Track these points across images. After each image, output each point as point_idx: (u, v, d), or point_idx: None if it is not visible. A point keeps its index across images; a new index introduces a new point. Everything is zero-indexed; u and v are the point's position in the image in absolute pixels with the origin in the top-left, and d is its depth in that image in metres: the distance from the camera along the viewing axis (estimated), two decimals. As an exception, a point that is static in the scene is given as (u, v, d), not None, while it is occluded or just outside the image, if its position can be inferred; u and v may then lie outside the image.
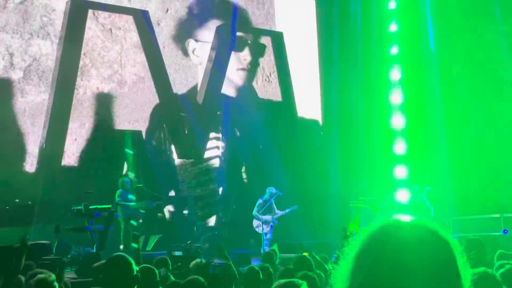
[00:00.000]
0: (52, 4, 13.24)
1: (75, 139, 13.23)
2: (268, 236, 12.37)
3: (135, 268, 3.68)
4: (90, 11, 13.65)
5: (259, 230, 12.38)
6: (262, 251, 11.32)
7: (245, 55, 16.05)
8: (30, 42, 12.89)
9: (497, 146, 15.19)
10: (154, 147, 14.32)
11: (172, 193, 14.37)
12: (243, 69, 15.93)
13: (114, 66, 13.92)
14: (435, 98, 16.31)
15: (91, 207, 10.90)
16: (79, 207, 10.76)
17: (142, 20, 14.23)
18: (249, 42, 16.17)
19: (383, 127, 17.01)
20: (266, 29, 16.39)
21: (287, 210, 12.89)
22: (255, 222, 12.51)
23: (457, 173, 15.25)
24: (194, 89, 15.17)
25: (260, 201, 12.55)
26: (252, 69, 16.14)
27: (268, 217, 12.36)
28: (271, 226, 12.50)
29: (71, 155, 13.15)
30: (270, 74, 16.32)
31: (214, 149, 15.17)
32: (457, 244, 1.17)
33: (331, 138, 16.86)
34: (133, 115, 14.02)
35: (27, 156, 12.74)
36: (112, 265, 3.69)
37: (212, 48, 15.22)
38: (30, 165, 12.71)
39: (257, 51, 16.26)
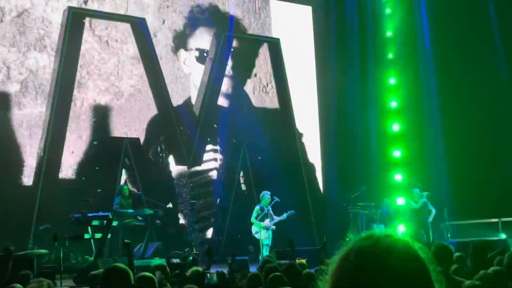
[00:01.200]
0: (48, 17, 13.29)
1: (72, 152, 13.26)
2: (267, 242, 12.36)
3: (132, 278, 3.69)
4: (87, 23, 13.69)
5: (258, 236, 12.36)
6: (260, 258, 11.32)
7: (242, 63, 16.09)
8: (27, 55, 12.94)
9: (495, 150, 15.23)
10: (152, 156, 14.33)
11: (170, 201, 14.37)
12: (238, 77, 15.95)
13: (111, 78, 13.96)
14: (432, 102, 16.37)
15: (89, 215, 10.91)
16: (77, 215, 10.77)
17: (140, 29, 14.28)
18: (246, 50, 16.21)
19: (381, 132, 17.04)
20: (262, 35, 16.43)
21: (284, 215, 12.89)
22: (254, 229, 12.50)
23: (454, 178, 15.27)
24: (189, 99, 15.22)
25: (257, 207, 12.54)
26: (248, 78, 16.15)
27: (267, 223, 12.35)
28: (270, 231, 12.49)
29: (68, 167, 13.17)
30: (267, 84, 16.34)
31: (212, 160, 15.19)
32: (429, 259, 1.18)
33: (329, 145, 16.88)
34: (131, 125, 14.05)
35: (25, 168, 12.77)
36: (110, 275, 3.70)
37: (208, 56, 15.27)
38: (28, 177, 12.74)
39: (254, 60, 16.30)
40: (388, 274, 1.10)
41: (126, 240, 5.48)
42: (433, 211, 13.80)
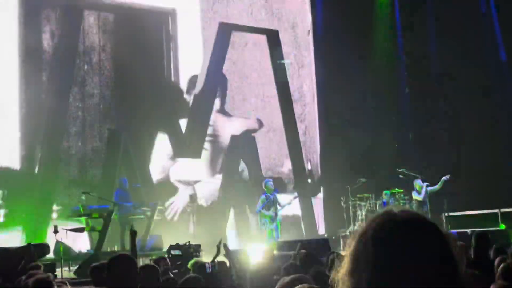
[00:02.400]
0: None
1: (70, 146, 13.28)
2: (275, 235, 12.23)
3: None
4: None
5: (265, 228, 12.31)
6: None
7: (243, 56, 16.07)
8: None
9: (494, 140, 15.26)
10: (151, 147, 14.32)
11: (170, 193, 14.38)
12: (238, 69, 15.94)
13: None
14: (436, 92, 16.44)
15: (89, 207, 10.91)
16: (78, 208, 10.78)
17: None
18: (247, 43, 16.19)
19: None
20: (261, 27, 16.39)
21: (290, 201, 12.96)
22: (262, 220, 12.41)
23: (454, 169, 15.28)
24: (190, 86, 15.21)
25: (263, 196, 12.49)
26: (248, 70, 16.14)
27: (271, 213, 12.28)
28: (278, 223, 12.42)
29: (68, 157, 13.20)
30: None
31: (212, 148, 15.19)
32: (455, 238, 1.19)
33: (328, 135, 16.87)
34: (131, 115, 14.04)
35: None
36: (115, 263, 3.68)
37: (211, 47, 15.29)
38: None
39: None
40: (407, 245, 1.11)
41: (133, 229, 5.48)
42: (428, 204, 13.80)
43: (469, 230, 11.95)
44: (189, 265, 6.59)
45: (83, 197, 11.66)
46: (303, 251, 6.69)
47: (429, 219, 1.18)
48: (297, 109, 16.83)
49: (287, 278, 2.98)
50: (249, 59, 16.17)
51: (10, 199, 12.19)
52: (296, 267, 5.24)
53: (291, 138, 16.28)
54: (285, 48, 16.80)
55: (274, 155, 16.16)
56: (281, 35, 16.76)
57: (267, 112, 16.23)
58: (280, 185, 14.82)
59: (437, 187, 13.71)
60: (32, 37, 12.96)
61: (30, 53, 12.94)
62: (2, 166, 12.37)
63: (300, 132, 16.76)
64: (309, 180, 16.55)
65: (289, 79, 16.65)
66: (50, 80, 13.24)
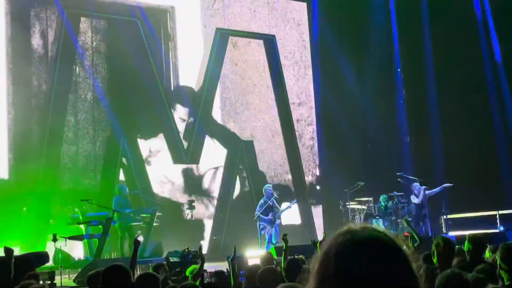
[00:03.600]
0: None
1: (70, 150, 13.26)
2: (275, 240, 12.24)
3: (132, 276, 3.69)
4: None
5: (265, 232, 12.32)
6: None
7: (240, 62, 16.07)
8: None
9: (493, 142, 15.28)
10: (149, 154, 14.31)
11: (168, 200, 14.37)
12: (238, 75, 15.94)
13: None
14: (431, 96, 16.45)
15: (88, 214, 10.92)
16: (77, 215, 10.79)
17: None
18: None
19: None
20: (258, 32, 16.38)
21: (290, 205, 12.96)
22: (261, 225, 12.43)
23: (452, 171, 15.31)
24: (188, 95, 15.21)
25: (262, 201, 12.54)
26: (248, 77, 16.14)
27: (270, 217, 12.31)
28: (277, 227, 12.42)
29: (69, 164, 13.18)
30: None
31: (210, 156, 15.18)
32: (403, 245, 1.21)
33: (326, 139, 16.86)
34: (129, 122, 14.04)
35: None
36: (110, 274, 3.70)
37: (208, 52, 15.27)
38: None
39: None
40: (366, 264, 1.14)
41: (137, 239, 5.49)
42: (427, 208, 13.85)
43: (467, 233, 11.95)
44: (187, 272, 6.58)
45: (78, 208, 11.57)
46: (290, 257, 6.66)
47: (389, 236, 1.21)
48: (305, 111, 16.82)
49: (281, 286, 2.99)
50: (251, 60, 16.13)
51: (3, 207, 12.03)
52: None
53: (289, 144, 16.26)
54: (290, 48, 16.79)
55: (280, 161, 16.13)
56: (285, 34, 16.73)
57: (273, 115, 16.19)
58: (286, 192, 14.87)
59: (436, 190, 13.76)
60: (20, 38, 12.72)
61: (19, 54, 12.70)
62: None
63: (308, 136, 16.75)
64: (318, 187, 16.58)
65: (294, 81, 16.65)
66: (41, 83, 13.07)
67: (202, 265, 7.12)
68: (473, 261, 5.63)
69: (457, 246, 6.29)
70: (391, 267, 1.16)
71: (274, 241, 12.27)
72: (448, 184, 13.69)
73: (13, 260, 4.65)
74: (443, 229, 14.37)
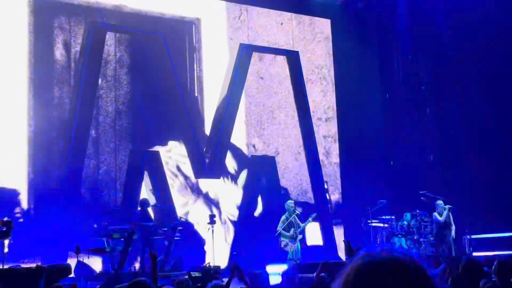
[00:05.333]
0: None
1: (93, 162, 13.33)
2: (296, 257, 12.18)
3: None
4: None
5: (287, 249, 12.29)
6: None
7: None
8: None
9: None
10: (172, 167, 14.34)
11: (189, 214, 14.37)
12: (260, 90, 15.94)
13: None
14: (455, 111, 16.28)
15: (110, 227, 10.96)
16: (99, 228, 10.83)
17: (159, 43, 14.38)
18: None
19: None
20: (281, 48, 16.39)
21: (310, 219, 12.92)
22: (283, 241, 12.40)
23: (477, 190, 15.12)
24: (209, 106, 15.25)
25: (283, 217, 12.53)
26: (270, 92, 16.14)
27: (292, 233, 12.27)
28: (299, 243, 12.36)
29: (90, 177, 13.23)
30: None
31: (232, 171, 15.17)
32: (431, 273, 1.19)
33: (348, 156, 16.77)
34: (151, 135, 14.11)
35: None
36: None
37: (232, 68, 15.31)
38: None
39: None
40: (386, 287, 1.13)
41: (152, 252, 5.48)
42: (453, 226, 13.73)
43: (492, 253, 11.79)
44: (209, 288, 6.55)
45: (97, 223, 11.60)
46: (322, 274, 6.61)
47: (409, 259, 1.19)
48: (332, 127, 16.82)
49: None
50: (276, 74, 16.16)
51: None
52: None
53: (311, 160, 16.21)
54: (317, 63, 16.82)
55: (304, 177, 16.10)
56: (312, 48, 16.78)
57: (297, 132, 16.17)
58: (308, 209, 14.81)
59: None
60: (43, 48, 12.83)
61: (40, 65, 12.78)
62: (8, 187, 12.27)
63: (335, 152, 16.71)
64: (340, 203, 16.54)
65: (321, 97, 16.67)
66: (63, 95, 13.15)
67: (229, 281, 7.08)
68: (502, 283, 5.56)
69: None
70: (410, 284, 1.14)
71: (295, 257, 12.23)
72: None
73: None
74: (466, 249, 14.17)
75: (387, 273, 1.14)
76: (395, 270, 1.15)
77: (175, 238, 12.00)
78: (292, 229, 12.34)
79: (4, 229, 8.78)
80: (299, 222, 12.56)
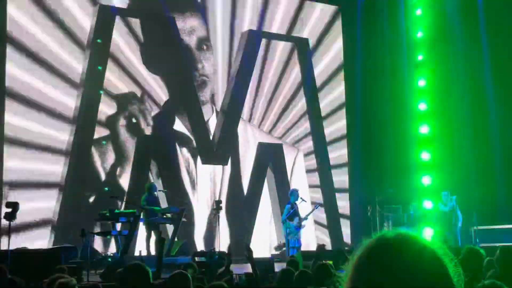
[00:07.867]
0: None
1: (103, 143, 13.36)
2: (297, 244, 12.26)
3: (151, 276, 3.67)
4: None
5: (291, 237, 12.31)
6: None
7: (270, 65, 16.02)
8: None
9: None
10: (178, 153, 14.35)
11: (195, 199, 14.40)
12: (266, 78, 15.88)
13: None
14: (462, 104, 16.12)
15: (116, 211, 10.99)
16: (105, 212, 10.86)
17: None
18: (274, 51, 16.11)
19: (410, 135, 16.84)
20: (291, 35, 16.29)
21: (314, 209, 12.99)
22: (286, 229, 12.43)
23: (484, 181, 15.03)
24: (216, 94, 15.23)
25: (288, 205, 12.53)
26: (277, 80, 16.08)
27: (296, 222, 12.31)
28: (301, 232, 12.42)
29: (97, 161, 13.27)
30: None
31: (239, 158, 15.16)
32: (449, 257, 1.18)
33: (356, 146, 16.73)
34: (159, 121, 14.11)
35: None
36: (128, 273, 3.72)
37: (240, 54, 15.24)
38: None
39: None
40: (401, 270, 1.12)
41: (161, 237, 5.50)
42: (461, 216, 13.67)
43: (499, 245, 11.72)
44: (216, 274, 6.56)
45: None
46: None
47: (423, 240, 1.18)
48: (342, 119, 16.87)
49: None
50: (285, 63, 16.11)
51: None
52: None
53: (319, 151, 16.21)
54: (332, 54, 16.77)
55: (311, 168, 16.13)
56: (328, 41, 16.75)
57: (306, 123, 16.22)
58: (313, 199, 14.87)
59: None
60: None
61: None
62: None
63: (344, 143, 16.75)
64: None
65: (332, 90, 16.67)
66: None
67: (228, 266, 7.12)
68: (506, 272, 5.52)
69: (488, 258, 6.18)
70: (423, 269, 1.13)
71: (297, 245, 12.25)
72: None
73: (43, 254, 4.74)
74: (472, 240, 14.12)
75: (401, 254, 1.14)
76: (409, 251, 1.14)
77: (181, 222, 12.02)
78: (296, 218, 12.34)
79: (10, 210, 8.81)
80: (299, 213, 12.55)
